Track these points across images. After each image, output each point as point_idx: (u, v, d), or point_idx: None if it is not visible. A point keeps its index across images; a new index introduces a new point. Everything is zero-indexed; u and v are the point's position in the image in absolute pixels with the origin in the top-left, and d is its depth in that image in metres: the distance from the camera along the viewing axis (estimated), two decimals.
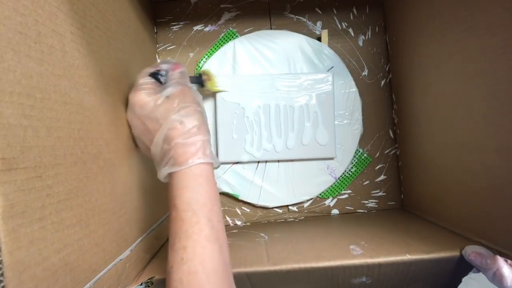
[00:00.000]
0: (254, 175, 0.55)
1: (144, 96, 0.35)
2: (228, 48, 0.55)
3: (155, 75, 0.37)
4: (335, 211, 0.57)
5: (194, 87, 0.51)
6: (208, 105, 0.55)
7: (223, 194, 0.57)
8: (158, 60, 0.57)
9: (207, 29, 0.57)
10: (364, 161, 0.57)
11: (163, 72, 0.38)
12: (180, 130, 0.32)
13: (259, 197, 0.55)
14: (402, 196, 0.57)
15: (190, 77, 0.41)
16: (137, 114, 0.35)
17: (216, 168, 0.34)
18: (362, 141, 0.57)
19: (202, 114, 0.35)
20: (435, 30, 0.42)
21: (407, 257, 0.36)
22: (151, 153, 0.34)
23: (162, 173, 0.32)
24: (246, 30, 0.57)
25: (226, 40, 0.56)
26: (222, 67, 0.55)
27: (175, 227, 0.30)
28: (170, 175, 0.32)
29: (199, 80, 0.50)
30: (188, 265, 0.28)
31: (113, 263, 0.32)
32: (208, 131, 0.34)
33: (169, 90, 0.34)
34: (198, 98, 0.36)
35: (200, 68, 0.56)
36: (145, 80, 0.36)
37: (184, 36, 0.57)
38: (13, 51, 0.21)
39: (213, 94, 0.55)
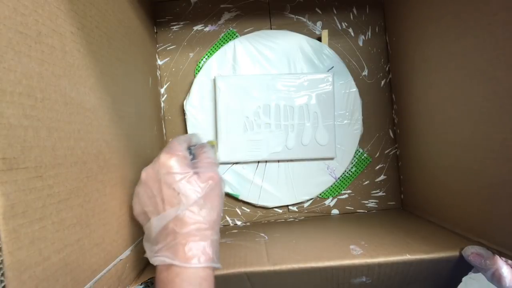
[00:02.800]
0: (254, 175, 0.55)
1: (175, 164, 0.31)
2: (228, 48, 0.55)
3: (189, 148, 0.36)
4: (335, 211, 0.57)
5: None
6: (208, 105, 0.55)
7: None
8: (158, 61, 0.57)
9: (207, 29, 0.57)
10: (364, 161, 0.57)
11: (193, 150, 0.36)
12: (198, 216, 0.30)
13: (259, 197, 0.55)
14: (402, 196, 0.57)
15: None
16: (159, 176, 0.31)
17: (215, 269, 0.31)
18: (362, 141, 0.57)
19: (221, 210, 0.33)
20: (435, 30, 0.42)
21: (407, 257, 0.36)
22: (150, 223, 0.31)
23: (160, 259, 0.29)
24: (246, 30, 0.57)
25: (226, 40, 0.56)
26: (222, 67, 0.55)
27: None
28: (167, 266, 0.29)
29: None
30: None
31: (113, 263, 0.32)
32: (218, 231, 0.32)
33: (201, 170, 0.32)
34: (223, 192, 0.34)
35: (201, 68, 0.56)
36: (180, 147, 0.33)
37: (184, 36, 0.57)
38: (14, 51, 0.21)
39: (212, 93, 0.55)
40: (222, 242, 0.46)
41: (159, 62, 0.57)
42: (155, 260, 0.30)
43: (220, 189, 0.33)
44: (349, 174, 0.57)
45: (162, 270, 0.29)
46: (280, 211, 0.57)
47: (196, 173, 0.32)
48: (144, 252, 0.40)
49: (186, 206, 0.30)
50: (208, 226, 0.30)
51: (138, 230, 0.39)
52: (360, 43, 0.57)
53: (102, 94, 0.33)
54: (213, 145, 0.46)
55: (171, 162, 0.31)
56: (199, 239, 0.29)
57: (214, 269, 0.30)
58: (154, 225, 0.31)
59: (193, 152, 0.36)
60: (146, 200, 0.32)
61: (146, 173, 0.33)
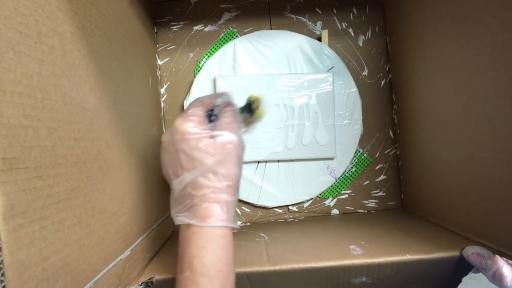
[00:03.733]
0: (254, 175, 0.55)
1: (190, 129, 0.32)
2: (228, 48, 0.55)
3: (208, 112, 0.35)
4: (335, 211, 0.57)
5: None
6: None
7: None
8: (158, 61, 0.57)
9: (207, 29, 0.57)
10: (364, 161, 0.57)
11: (216, 111, 0.35)
12: (211, 182, 0.31)
13: (259, 197, 0.55)
14: (402, 196, 0.57)
15: (239, 108, 0.38)
16: (175, 142, 0.32)
17: (234, 231, 0.32)
18: (362, 141, 0.57)
19: (239, 172, 0.33)
20: (435, 30, 0.42)
21: (407, 257, 0.36)
22: (172, 187, 0.33)
23: (180, 219, 0.31)
24: (246, 30, 0.57)
25: (226, 40, 0.56)
26: (222, 67, 0.55)
27: None
28: (187, 225, 0.30)
29: (249, 109, 0.45)
30: None
31: (113, 263, 0.32)
32: (237, 192, 0.33)
33: (217, 133, 0.32)
34: (242, 152, 0.34)
35: (201, 68, 0.56)
36: (196, 111, 0.33)
37: (184, 36, 0.57)
38: (14, 51, 0.21)
39: (212, 92, 0.54)
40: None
41: (159, 62, 0.57)
42: (176, 220, 0.32)
43: (237, 153, 0.33)
44: (349, 174, 0.57)
45: (183, 229, 0.31)
46: (280, 211, 0.57)
47: (212, 137, 0.32)
48: (144, 251, 0.40)
49: (200, 172, 0.31)
50: (223, 189, 0.31)
51: (138, 230, 0.39)
52: (360, 43, 0.57)
53: (102, 94, 0.33)
54: (252, 100, 0.43)
55: (185, 127, 0.32)
56: (213, 201, 0.30)
57: (232, 229, 0.31)
58: (174, 187, 0.32)
59: (215, 113, 0.35)
60: (167, 163, 0.33)
61: (165, 138, 0.34)
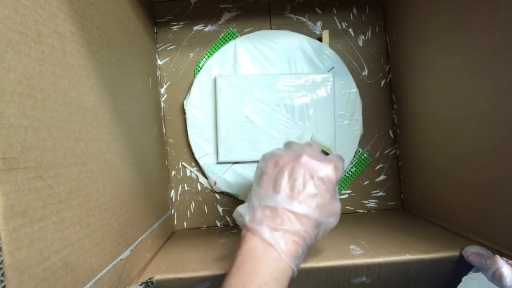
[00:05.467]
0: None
1: (334, 179, 0.32)
2: (228, 48, 0.55)
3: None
4: None
5: None
6: (208, 105, 0.55)
7: (223, 194, 0.57)
8: (158, 61, 0.57)
9: (207, 29, 0.57)
10: (364, 161, 0.57)
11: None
12: (315, 232, 0.31)
13: None
14: (402, 196, 0.57)
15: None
16: (312, 173, 0.31)
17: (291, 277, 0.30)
18: (362, 141, 0.57)
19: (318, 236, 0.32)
20: (435, 30, 0.42)
21: (407, 257, 0.36)
22: (256, 189, 0.33)
23: (267, 235, 0.29)
24: (246, 30, 0.57)
25: (226, 40, 0.56)
26: (223, 66, 0.55)
27: None
28: (264, 243, 0.29)
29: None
30: None
31: (113, 263, 0.32)
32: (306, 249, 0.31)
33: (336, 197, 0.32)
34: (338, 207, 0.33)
35: (201, 68, 0.56)
36: (313, 151, 0.34)
37: (184, 36, 0.57)
38: (14, 51, 0.21)
39: (212, 92, 0.55)
40: (222, 242, 0.46)
41: (159, 62, 0.57)
42: (259, 231, 0.30)
43: (336, 219, 0.33)
44: (349, 174, 0.57)
45: (253, 239, 0.29)
46: None
47: (337, 201, 0.33)
48: (144, 251, 0.40)
49: (319, 216, 0.31)
50: (311, 243, 0.31)
51: (138, 230, 0.39)
52: (360, 43, 0.57)
53: (102, 94, 0.33)
54: (326, 152, 0.44)
55: (333, 175, 0.32)
56: (301, 244, 0.30)
57: (291, 273, 0.30)
58: (261, 194, 0.32)
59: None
60: (271, 172, 0.33)
61: (295, 151, 0.33)
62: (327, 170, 0.32)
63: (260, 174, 0.34)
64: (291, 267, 0.29)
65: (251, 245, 0.29)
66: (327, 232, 0.33)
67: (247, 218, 0.31)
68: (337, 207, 0.33)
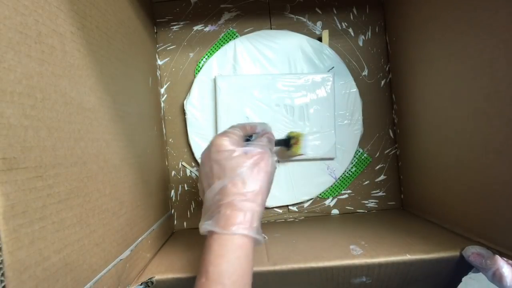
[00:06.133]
0: None
1: (225, 143, 0.34)
2: (228, 48, 0.55)
3: (246, 137, 0.38)
4: (335, 211, 0.57)
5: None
6: (208, 105, 0.55)
7: None
8: (158, 61, 0.57)
9: (207, 29, 0.57)
10: (364, 161, 0.57)
11: (253, 137, 0.38)
12: (238, 189, 0.31)
13: None
14: (402, 196, 0.57)
15: (277, 140, 0.40)
16: (210, 155, 0.34)
17: (257, 245, 0.32)
18: (362, 141, 0.57)
19: (267, 185, 0.34)
20: (435, 30, 0.42)
21: (407, 257, 0.36)
22: (204, 197, 0.34)
23: (204, 227, 0.31)
24: (246, 30, 0.57)
25: (226, 40, 0.56)
26: (223, 66, 0.55)
27: None
28: (210, 233, 0.31)
29: (287, 143, 0.49)
30: None
31: (113, 263, 0.32)
32: (263, 204, 0.33)
33: (249, 149, 0.34)
34: (272, 169, 0.35)
35: (201, 68, 0.56)
36: (234, 130, 0.36)
37: (184, 36, 0.57)
38: (14, 51, 0.21)
39: (212, 92, 0.55)
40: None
41: (159, 62, 0.57)
42: (201, 228, 0.32)
43: (265, 165, 0.34)
44: (349, 174, 0.57)
45: (207, 237, 0.31)
46: (280, 211, 0.57)
47: (245, 152, 0.34)
48: (144, 251, 0.40)
49: (229, 179, 0.32)
50: (248, 198, 0.31)
51: (138, 230, 0.39)
52: (360, 43, 0.57)
53: (102, 94, 0.33)
54: (291, 136, 0.48)
55: (221, 141, 0.34)
56: (238, 208, 0.31)
57: (255, 240, 0.31)
58: (206, 198, 0.33)
59: (253, 138, 0.38)
60: (203, 177, 0.35)
61: (203, 154, 0.36)
62: (214, 140, 0.34)
63: None
64: (234, 233, 0.30)
65: (204, 244, 0.31)
66: (263, 170, 0.33)
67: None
68: (250, 152, 0.33)
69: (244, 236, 0.30)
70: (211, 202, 0.32)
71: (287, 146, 0.49)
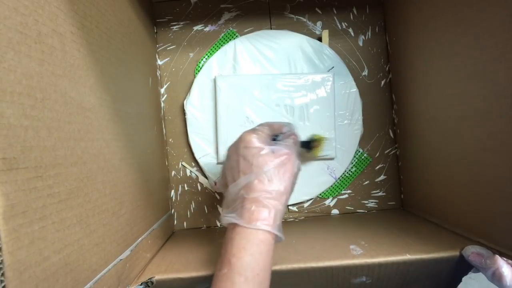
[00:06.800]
0: None
1: (254, 139, 0.35)
2: (228, 48, 0.55)
3: (273, 136, 0.39)
4: (335, 211, 0.57)
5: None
6: (208, 105, 0.55)
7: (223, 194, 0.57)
8: (158, 61, 0.57)
9: (207, 29, 0.57)
10: (364, 161, 0.57)
11: (280, 137, 0.39)
12: (264, 186, 0.32)
13: None
14: (402, 196, 0.57)
15: (301, 141, 0.41)
16: (238, 150, 0.35)
17: (277, 242, 0.33)
18: (362, 141, 0.57)
19: (291, 186, 0.35)
20: (435, 30, 0.42)
21: (407, 257, 0.36)
22: (227, 191, 0.34)
23: (227, 219, 0.32)
24: (246, 30, 0.57)
25: (226, 40, 0.56)
26: (223, 66, 0.55)
27: (223, 286, 0.29)
28: (232, 226, 0.32)
29: (308, 145, 0.50)
30: None
31: (113, 263, 0.32)
32: (286, 204, 0.34)
33: (277, 148, 0.34)
34: (297, 171, 0.36)
35: (201, 68, 0.56)
36: (263, 128, 0.37)
37: (184, 36, 0.57)
38: (14, 51, 0.21)
39: (212, 92, 0.55)
40: (222, 242, 0.46)
41: (159, 62, 0.57)
42: (223, 220, 0.33)
43: (292, 166, 0.34)
44: (349, 174, 0.57)
45: (228, 229, 0.32)
46: None
47: (272, 150, 0.34)
48: (144, 251, 0.40)
49: (256, 176, 0.32)
50: (274, 196, 0.32)
51: (138, 230, 0.39)
52: (360, 43, 0.57)
53: (102, 94, 0.33)
54: (314, 139, 0.49)
55: (250, 137, 0.35)
56: (263, 205, 0.31)
57: (276, 237, 0.32)
58: (229, 191, 0.34)
59: (279, 139, 0.39)
60: (227, 171, 0.36)
61: (230, 148, 0.37)
62: (243, 136, 0.35)
63: None
64: (257, 229, 0.30)
65: (226, 236, 0.32)
66: (288, 170, 0.34)
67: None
68: (277, 151, 0.34)
69: (267, 232, 0.31)
70: (234, 196, 0.33)
71: (308, 148, 0.50)
